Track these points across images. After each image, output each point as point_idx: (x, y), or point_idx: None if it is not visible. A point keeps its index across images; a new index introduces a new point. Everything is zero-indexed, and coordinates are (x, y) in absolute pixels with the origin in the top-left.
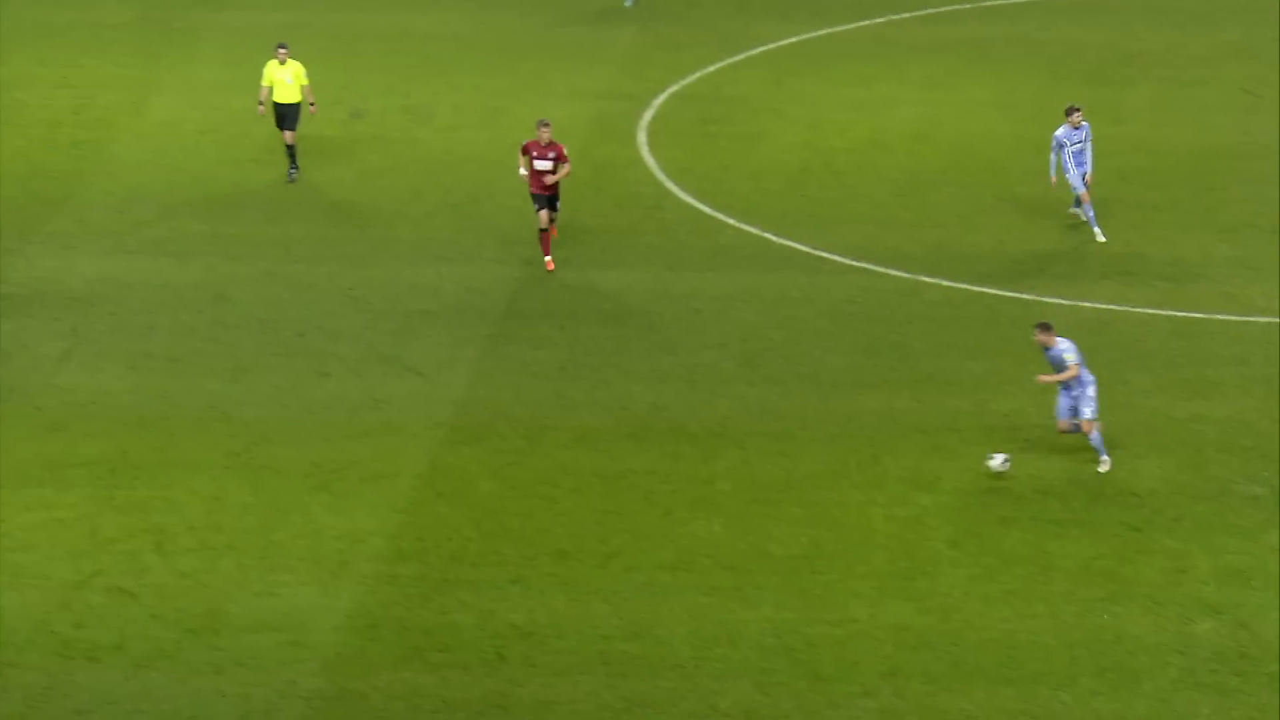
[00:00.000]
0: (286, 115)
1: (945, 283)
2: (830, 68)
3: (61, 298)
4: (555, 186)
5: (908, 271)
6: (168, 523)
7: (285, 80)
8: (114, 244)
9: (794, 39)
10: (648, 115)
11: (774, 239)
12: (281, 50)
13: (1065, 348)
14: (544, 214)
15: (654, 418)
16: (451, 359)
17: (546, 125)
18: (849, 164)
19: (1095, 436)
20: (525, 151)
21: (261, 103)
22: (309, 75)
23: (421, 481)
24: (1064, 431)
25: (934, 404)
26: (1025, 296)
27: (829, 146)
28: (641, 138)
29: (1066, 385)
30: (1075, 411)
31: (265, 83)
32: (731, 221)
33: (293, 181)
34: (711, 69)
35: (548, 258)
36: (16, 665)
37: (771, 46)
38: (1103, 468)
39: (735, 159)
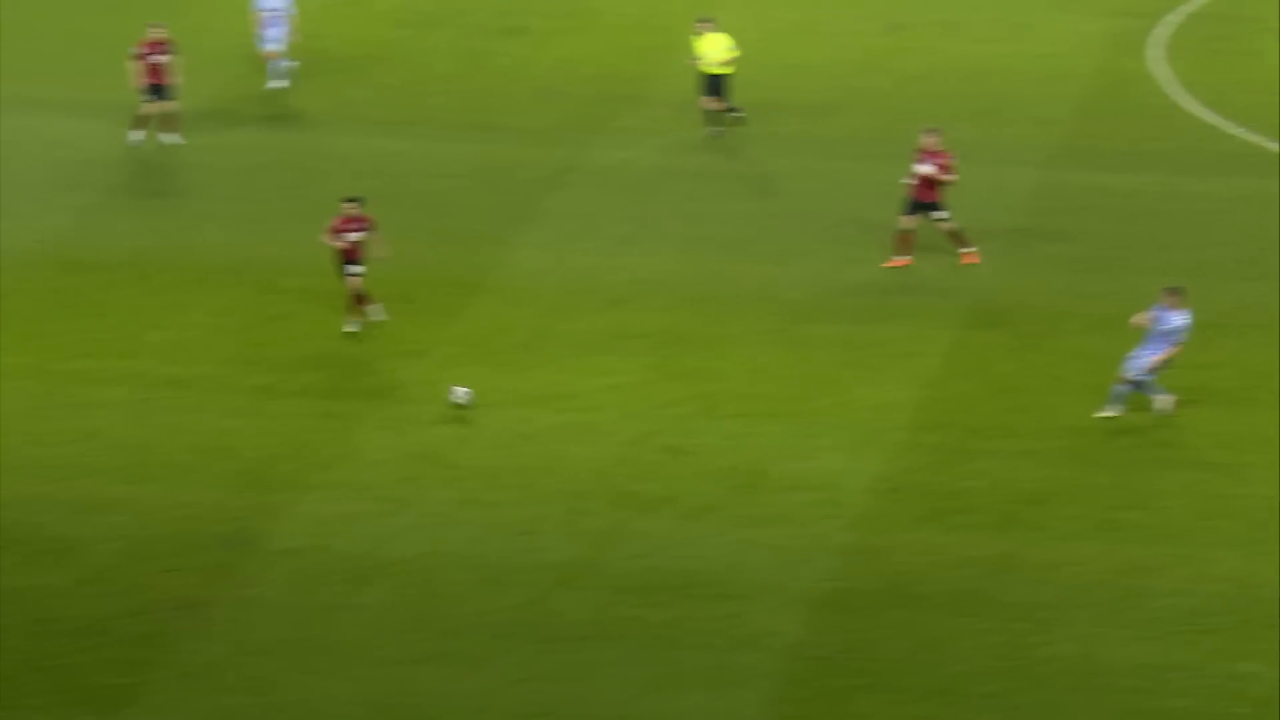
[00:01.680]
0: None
1: None
2: None
3: (625, 187)
4: (935, 192)
5: None
6: (716, 390)
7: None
8: (673, 140)
9: None
10: (1159, 31)
11: (1276, 147)
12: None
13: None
14: (908, 220)
15: None
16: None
17: (935, 133)
18: None
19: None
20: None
21: None
22: None
23: (945, 360)
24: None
25: None
26: None
27: None
28: (1153, 53)
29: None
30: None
31: None
32: (1236, 131)
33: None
34: None
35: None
36: (583, 512)
37: None
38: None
39: (1241, 74)
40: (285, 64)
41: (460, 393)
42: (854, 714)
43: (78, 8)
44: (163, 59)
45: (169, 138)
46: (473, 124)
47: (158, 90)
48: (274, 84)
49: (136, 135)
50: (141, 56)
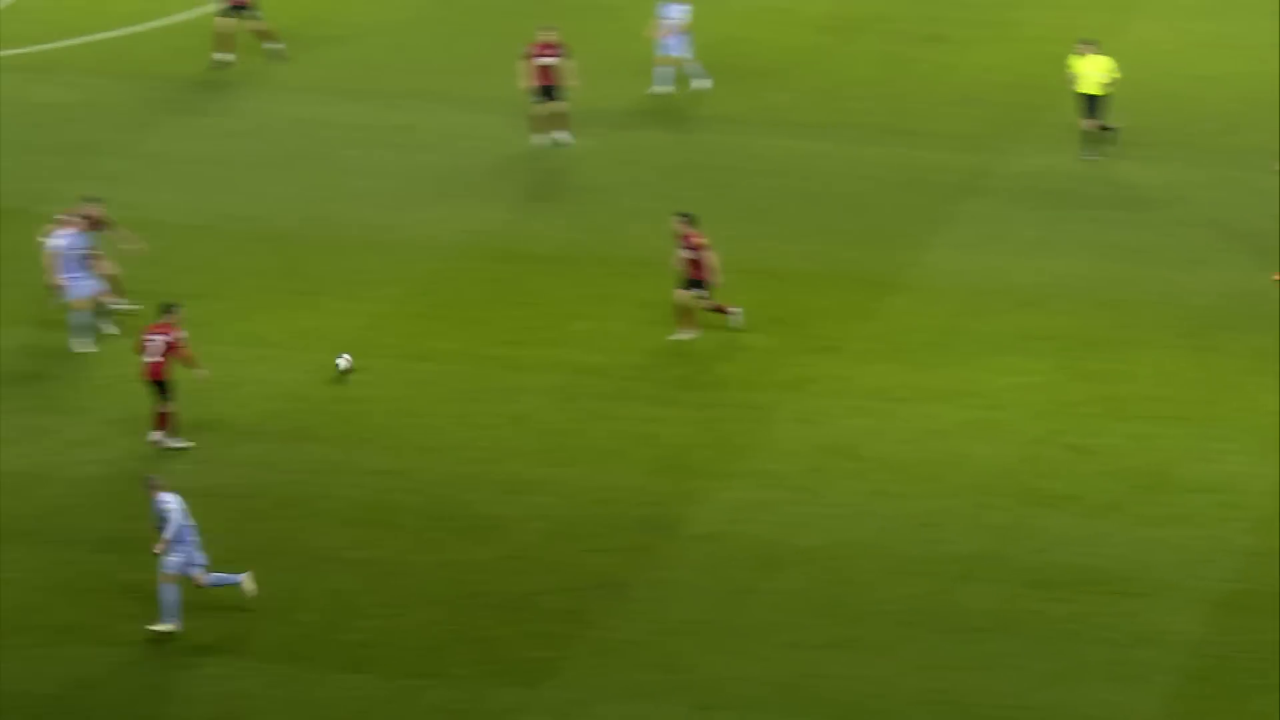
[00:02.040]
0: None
1: None
2: None
3: (1039, 192)
4: None
5: None
6: (1121, 392)
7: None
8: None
9: None
10: None
11: None
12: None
13: None
14: None
15: None
16: None
17: None
18: None
19: None
20: None
21: None
22: None
23: None
24: None
25: None
26: None
27: None
28: None
29: None
30: None
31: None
32: None
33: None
34: None
35: None
36: (988, 507)
37: None
38: None
39: None
40: (694, 66)
41: (342, 361)
42: (1251, 713)
43: (512, 10)
44: (553, 61)
45: (560, 136)
46: (891, 128)
47: (547, 91)
48: (663, 88)
49: (540, 139)
50: (532, 57)
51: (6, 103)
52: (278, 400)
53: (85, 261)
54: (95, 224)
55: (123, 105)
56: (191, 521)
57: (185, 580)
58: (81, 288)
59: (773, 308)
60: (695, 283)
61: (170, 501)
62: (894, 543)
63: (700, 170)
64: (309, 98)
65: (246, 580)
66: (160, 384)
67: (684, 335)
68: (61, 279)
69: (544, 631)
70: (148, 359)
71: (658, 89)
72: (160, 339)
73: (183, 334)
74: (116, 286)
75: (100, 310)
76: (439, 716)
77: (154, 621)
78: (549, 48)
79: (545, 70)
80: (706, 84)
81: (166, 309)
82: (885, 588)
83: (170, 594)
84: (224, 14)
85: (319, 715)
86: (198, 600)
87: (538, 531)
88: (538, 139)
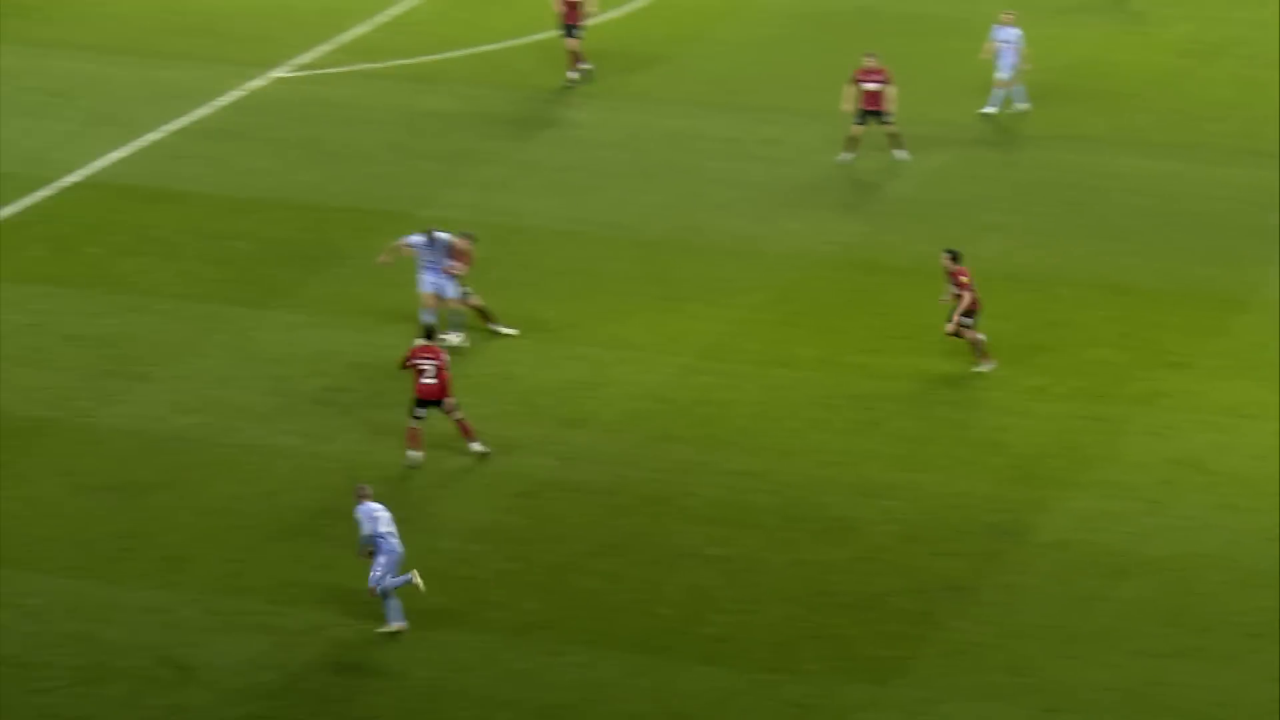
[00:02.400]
0: None
1: None
2: None
3: None
4: None
5: None
6: None
7: None
8: None
9: None
10: None
11: None
12: None
13: None
14: None
15: None
16: None
17: None
18: None
19: None
20: None
21: None
22: None
23: None
24: None
25: None
26: None
27: None
28: None
29: None
30: None
31: None
32: None
33: None
34: None
35: None
36: None
37: None
38: None
39: None
40: (1018, 89)
41: (453, 338)
42: None
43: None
44: (877, 86)
45: (899, 154)
46: (1248, 149)
47: (870, 115)
48: (1019, 107)
49: (846, 156)
50: (857, 82)
51: (393, 110)
52: (642, 401)
53: (440, 264)
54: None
55: (501, 115)
56: (393, 530)
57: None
58: (438, 287)
59: (1124, 323)
60: (966, 314)
61: (375, 511)
62: (1242, 555)
63: (1055, 187)
64: (679, 111)
65: (415, 576)
66: (437, 403)
67: (984, 368)
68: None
69: (894, 631)
70: (425, 381)
71: (988, 110)
72: (432, 363)
73: (447, 358)
74: (485, 313)
75: (452, 312)
76: (792, 711)
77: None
78: (872, 73)
79: (870, 95)
80: (1026, 106)
81: (428, 334)
82: (1232, 599)
83: (392, 599)
84: (563, 34)
85: (676, 705)
86: (563, 590)
87: (890, 534)
88: (845, 156)
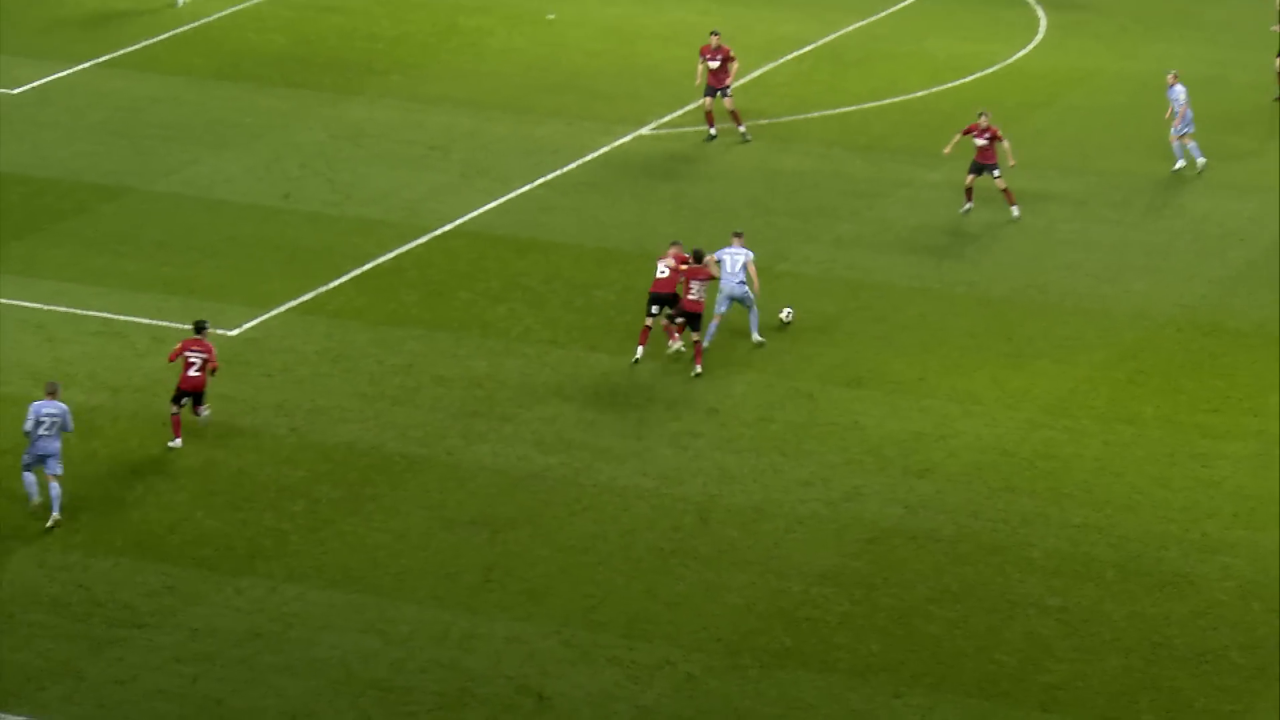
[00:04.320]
0: None
1: None
2: None
3: None
4: None
5: None
6: None
7: None
8: None
9: None
10: None
11: None
12: None
13: None
14: None
15: None
16: None
17: None
18: None
19: None
20: None
21: None
22: None
23: None
24: None
25: None
26: None
27: None
28: None
29: None
30: None
31: None
32: None
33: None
34: None
35: None
36: None
37: None
38: None
39: None
40: (1193, 146)
41: (784, 314)
42: None
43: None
44: (987, 141)
45: (1014, 211)
46: None
47: (985, 168)
48: (1200, 161)
49: (968, 206)
50: (970, 133)
51: (753, 168)
52: (986, 453)
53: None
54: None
55: (856, 174)
56: None
57: None
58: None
59: None
60: None
61: None
62: None
63: None
64: (1030, 174)
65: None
66: (198, 395)
67: None
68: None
69: (1230, 686)
70: (190, 374)
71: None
72: (200, 356)
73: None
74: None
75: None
76: None
77: None
78: (983, 131)
79: (982, 150)
80: (1202, 161)
81: (198, 328)
82: None
83: None
84: (707, 94)
85: None
86: (906, 634)
87: (1228, 590)
88: (967, 206)
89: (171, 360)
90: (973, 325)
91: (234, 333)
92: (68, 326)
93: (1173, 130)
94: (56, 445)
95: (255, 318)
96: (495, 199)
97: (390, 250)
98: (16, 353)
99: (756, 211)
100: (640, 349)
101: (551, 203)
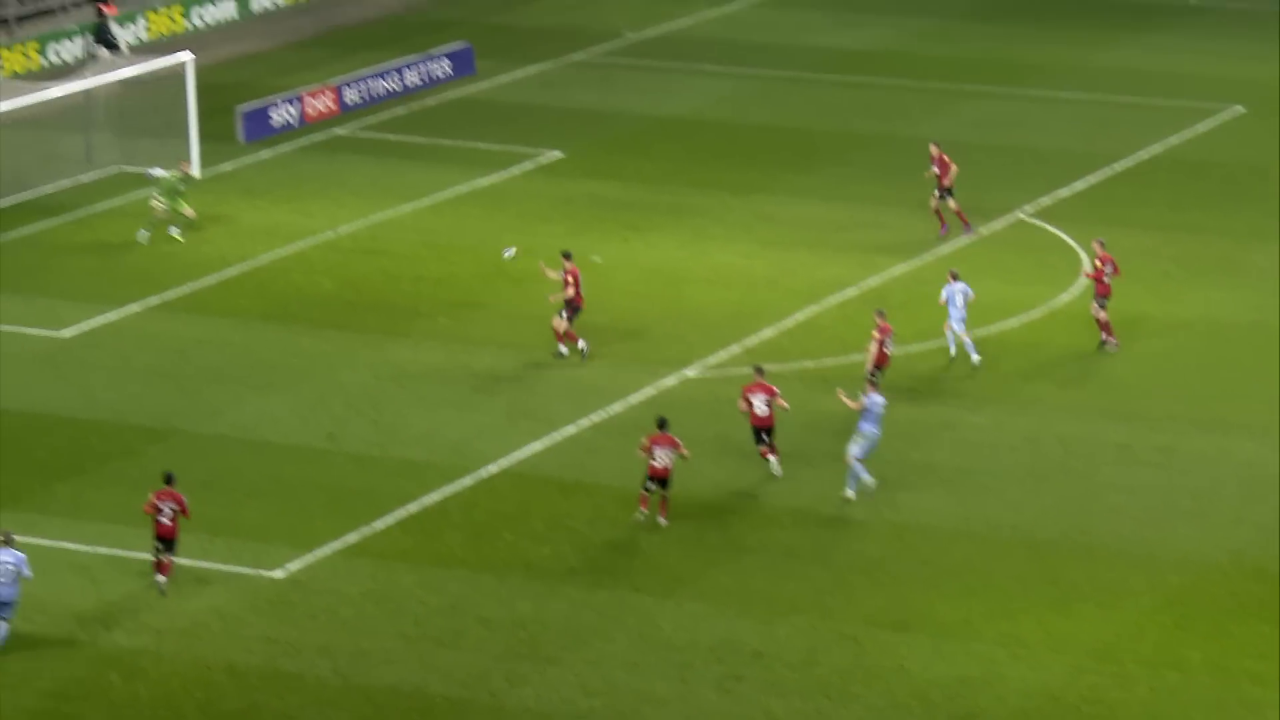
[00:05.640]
0: None
1: None
2: None
3: None
4: None
5: None
6: None
7: None
8: None
9: None
10: None
11: None
12: None
13: None
14: None
15: None
16: None
17: None
18: None
19: None
20: None
21: None
22: None
23: None
24: None
25: None
26: None
27: None
28: None
29: None
30: None
31: None
32: None
33: None
34: None
35: None
36: None
37: None
38: None
39: None
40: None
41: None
42: None
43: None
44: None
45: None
46: None
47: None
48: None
49: None
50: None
51: (796, 410)
52: (1033, 699)
53: None
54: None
55: (900, 417)
56: None
57: None
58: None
59: None
60: None
61: None
62: None
63: None
64: (1074, 417)
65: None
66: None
67: None
68: None
69: None
70: (162, 520)
71: None
72: (171, 507)
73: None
74: None
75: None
76: None
77: None
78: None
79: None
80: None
81: (166, 480)
82: None
83: None
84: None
85: None
86: None
87: None
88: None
89: (147, 511)
90: (1018, 569)
91: (277, 573)
92: (112, 568)
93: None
94: (12, 593)
95: (299, 559)
96: (540, 440)
97: (435, 491)
98: (61, 595)
99: (799, 455)
100: (772, 459)
101: (597, 444)
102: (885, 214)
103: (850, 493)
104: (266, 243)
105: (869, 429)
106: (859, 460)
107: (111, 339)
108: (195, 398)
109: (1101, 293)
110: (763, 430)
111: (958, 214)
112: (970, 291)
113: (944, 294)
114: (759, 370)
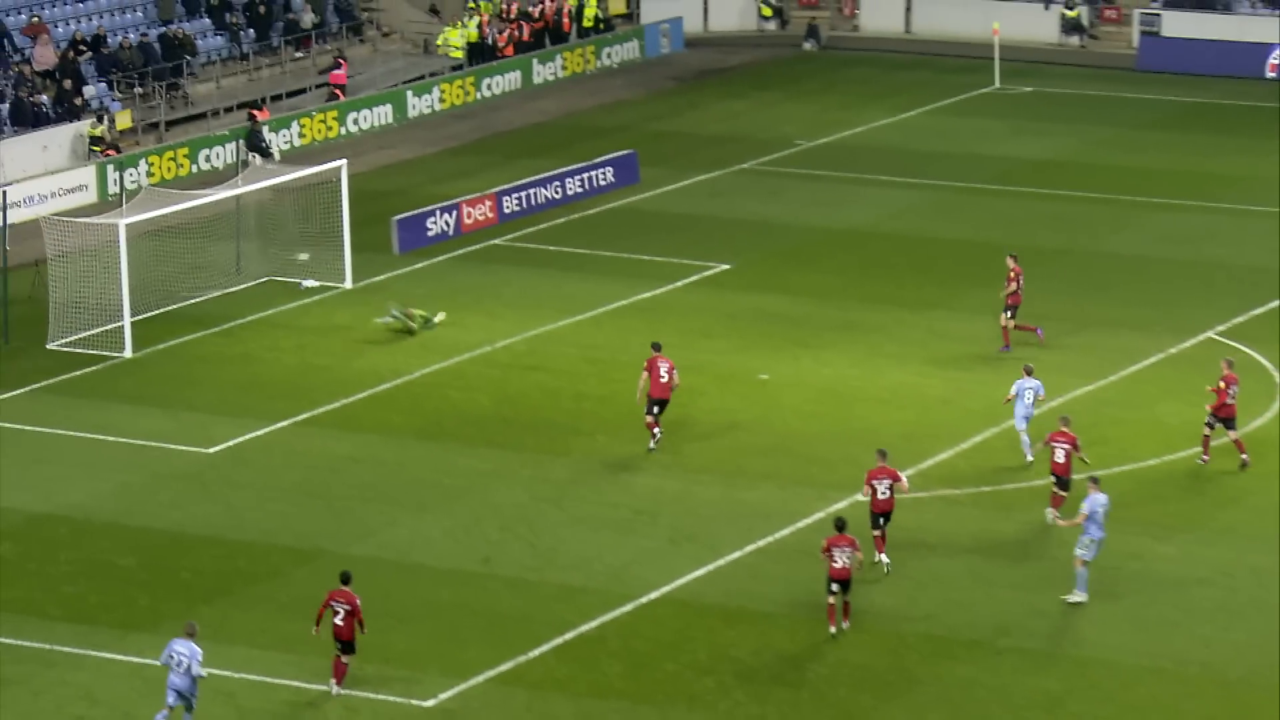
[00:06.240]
0: None
1: None
2: None
3: None
4: None
5: None
6: None
7: None
8: None
9: None
10: None
11: None
12: None
13: None
14: None
15: None
16: None
17: None
18: None
19: None
20: None
21: None
22: None
23: None
24: None
25: None
26: None
27: None
28: None
29: None
30: None
31: None
32: None
33: None
34: None
35: None
36: None
37: None
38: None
39: None
40: None
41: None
42: None
43: None
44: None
45: None
46: None
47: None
48: None
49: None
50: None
51: (971, 535)
52: None
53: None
54: None
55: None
56: None
57: None
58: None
59: None
60: None
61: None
62: None
63: None
64: (1270, 547)
65: None
66: (348, 644)
67: None
68: None
69: None
70: (336, 622)
71: None
72: (345, 607)
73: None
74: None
75: None
76: None
77: None
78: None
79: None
80: None
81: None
82: None
83: None
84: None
85: None
86: None
87: None
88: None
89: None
90: (1207, 708)
91: (429, 703)
92: (258, 695)
93: None
94: (184, 683)
95: (452, 688)
96: (704, 566)
97: (593, 619)
98: None
99: (976, 582)
100: (881, 554)
101: (763, 570)
102: (1065, 332)
103: (1081, 595)
104: (421, 357)
105: (1096, 532)
106: (1087, 564)
107: (259, 455)
108: (345, 517)
109: (1225, 414)
110: (881, 516)
111: (1004, 329)
112: (1041, 389)
113: (1014, 388)
114: (882, 454)
